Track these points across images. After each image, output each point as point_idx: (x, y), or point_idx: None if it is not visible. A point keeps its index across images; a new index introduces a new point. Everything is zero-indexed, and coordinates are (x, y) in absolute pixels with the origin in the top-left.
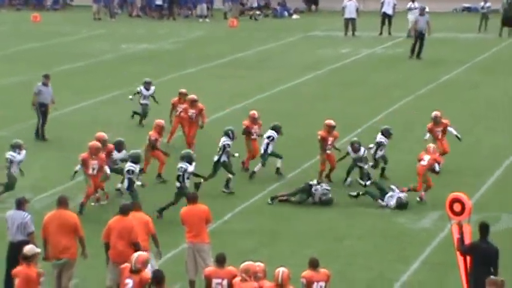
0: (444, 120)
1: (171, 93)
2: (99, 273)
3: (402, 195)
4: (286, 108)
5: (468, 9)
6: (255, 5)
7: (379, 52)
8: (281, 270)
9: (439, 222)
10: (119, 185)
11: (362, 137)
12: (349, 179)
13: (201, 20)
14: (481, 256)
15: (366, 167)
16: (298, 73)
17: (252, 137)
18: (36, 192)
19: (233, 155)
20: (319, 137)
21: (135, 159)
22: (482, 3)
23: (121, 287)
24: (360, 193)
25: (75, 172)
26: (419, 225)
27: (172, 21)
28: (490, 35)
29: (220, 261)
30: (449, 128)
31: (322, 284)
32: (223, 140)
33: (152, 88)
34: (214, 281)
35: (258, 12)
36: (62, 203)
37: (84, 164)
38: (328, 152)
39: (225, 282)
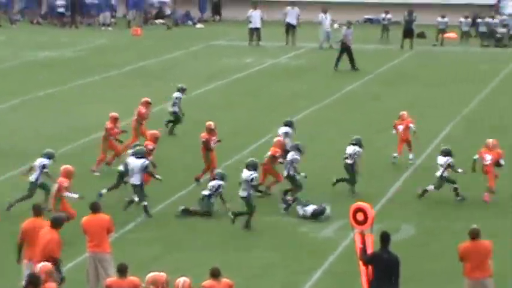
0: (408, 119)
1: (75, 100)
2: None
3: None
4: (191, 117)
5: (370, 20)
6: (168, 13)
7: (284, 62)
8: (182, 280)
9: (342, 232)
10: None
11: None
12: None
13: (103, 28)
14: (382, 266)
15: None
16: (203, 82)
17: (211, 147)
18: None
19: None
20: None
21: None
22: (383, 15)
23: None
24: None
25: None
26: (322, 235)
27: (74, 29)
28: (392, 46)
29: (122, 271)
30: (410, 125)
31: None
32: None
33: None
34: None
35: (161, 21)
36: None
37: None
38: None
39: None
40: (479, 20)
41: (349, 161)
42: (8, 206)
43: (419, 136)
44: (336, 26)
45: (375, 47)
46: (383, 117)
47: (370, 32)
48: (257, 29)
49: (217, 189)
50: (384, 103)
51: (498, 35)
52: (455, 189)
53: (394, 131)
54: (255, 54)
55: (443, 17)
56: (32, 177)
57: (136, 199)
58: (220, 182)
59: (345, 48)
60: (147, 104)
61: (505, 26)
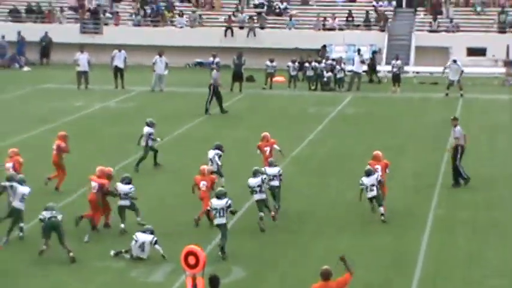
0: (271, 140)
1: None
2: None
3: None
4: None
5: (200, 64)
6: None
7: (113, 105)
8: None
9: (172, 276)
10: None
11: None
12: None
13: None
14: None
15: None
16: (29, 126)
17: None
18: None
19: None
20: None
21: None
22: (211, 59)
23: None
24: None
25: None
26: (152, 279)
27: None
28: (223, 90)
29: None
30: (275, 146)
31: None
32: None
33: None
34: None
35: None
36: None
37: None
38: None
39: None
40: (306, 65)
41: None
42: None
43: None
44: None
45: (204, 90)
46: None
47: (201, 75)
48: (85, 72)
49: None
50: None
51: (325, 79)
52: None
53: (258, 151)
54: (84, 97)
55: (271, 61)
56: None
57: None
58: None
59: (215, 91)
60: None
61: (331, 70)
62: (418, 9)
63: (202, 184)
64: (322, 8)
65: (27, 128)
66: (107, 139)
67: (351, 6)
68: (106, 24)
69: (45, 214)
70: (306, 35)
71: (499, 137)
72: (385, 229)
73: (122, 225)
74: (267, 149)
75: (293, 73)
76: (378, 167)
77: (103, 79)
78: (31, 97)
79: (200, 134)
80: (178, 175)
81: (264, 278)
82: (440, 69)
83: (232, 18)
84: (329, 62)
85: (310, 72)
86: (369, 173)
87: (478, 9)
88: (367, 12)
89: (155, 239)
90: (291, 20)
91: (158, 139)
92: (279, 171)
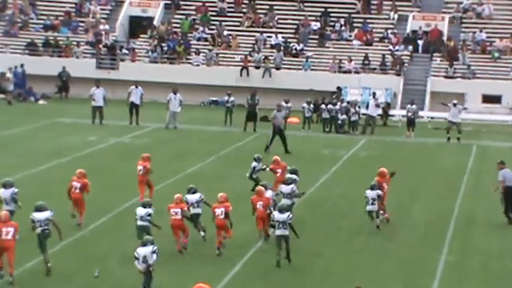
0: (282, 163)
1: None
2: None
3: None
4: (27, 194)
5: (215, 102)
6: (11, 88)
7: (127, 141)
8: None
9: None
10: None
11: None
12: None
13: None
14: None
15: None
16: (42, 160)
17: None
18: None
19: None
20: None
21: None
22: (226, 98)
23: None
24: None
25: None
26: None
27: None
28: (236, 128)
29: None
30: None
31: None
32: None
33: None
34: None
35: (2, 96)
36: None
37: None
38: None
39: None
40: (322, 106)
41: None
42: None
43: None
44: None
45: (219, 129)
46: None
47: (216, 114)
48: (100, 107)
49: None
50: (227, 184)
51: (339, 122)
52: None
53: (268, 169)
54: (98, 132)
55: (286, 101)
56: None
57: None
58: None
59: (277, 130)
60: None
61: (346, 113)
62: (435, 54)
63: (259, 204)
64: (338, 51)
65: (39, 162)
66: (119, 174)
67: (367, 49)
68: (122, 60)
69: (38, 217)
70: (322, 76)
71: None
72: (395, 274)
73: (202, 233)
74: (279, 171)
75: (308, 114)
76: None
77: (118, 114)
78: (45, 131)
79: (213, 172)
80: None
81: None
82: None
83: (249, 57)
84: (344, 104)
85: (325, 114)
86: (373, 187)
87: (496, 55)
88: (384, 56)
89: (155, 248)
90: (307, 61)
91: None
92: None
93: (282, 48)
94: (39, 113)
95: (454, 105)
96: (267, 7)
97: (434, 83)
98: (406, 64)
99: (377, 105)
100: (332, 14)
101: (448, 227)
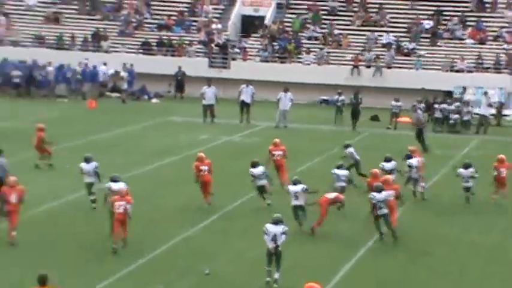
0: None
1: (23, 172)
2: None
3: None
4: (140, 192)
5: (326, 101)
6: (125, 87)
7: (237, 140)
8: None
9: None
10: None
11: (220, 222)
12: None
13: (59, 100)
14: None
15: None
16: (154, 158)
17: None
18: None
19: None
20: None
21: None
22: (336, 97)
23: None
24: None
25: None
26: None
27: (29, 100)
28: (346, 127)
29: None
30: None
31: None
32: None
33: None
34: None
35: (117, 94)
36: None
37: None
38: None
39: None
40: (435, 106)
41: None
42: None
43: None
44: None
45: (329, 127)
46: None
47: (325, 113)
48: (211, 106)
49: None
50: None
51: (451, 121)
52: None
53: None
54: (209, 131)
55: (397, 100)
56: None
57: None
58: None
59: (419, 130)
60: None
61: (458, 112)
62: None
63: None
64: (450, 50)
65: (151, 160)
66: (229, 173)
67: (481, 48)
68: (234, 59)
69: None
70: (434, 76)
71: None
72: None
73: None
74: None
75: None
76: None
77: (229, 113)
78: (157, 129)
79: (321, 171)
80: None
81: None
82: None
83: (359, 56)
84: (456, 104)
85: (438, 114)
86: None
87: None
88: (497, 54)
89: (285, 229)
90: (418, 60)
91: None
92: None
93: (393, 47)
94: (152, 111)
95: None
96: (378, 6)
97: None
98: None
99: (489, 105)
100: (445, 13)
101: None
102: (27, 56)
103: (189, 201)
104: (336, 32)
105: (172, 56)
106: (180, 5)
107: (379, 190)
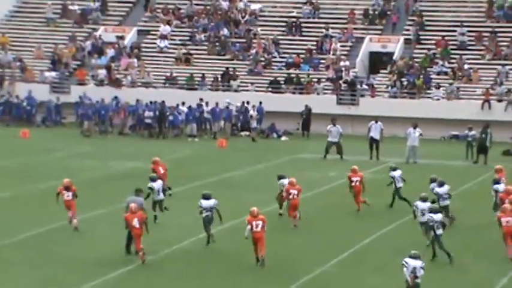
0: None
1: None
2: None
3: None
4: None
5: (456, 137)
6: (254, 125)
7: (368, 176)
8: None
9: None
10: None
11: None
12: None
13: (190, 139)
14: None
15: None
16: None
17: None
18: None
19: None
20: None
21: None
22: (467, 131)
23: None
24: None
25: None
26: None
27: (161, 140)
28: (480, 162)
29: None
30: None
31: None
32: None
33: None
34: None
35: (246, 133)
36: None
37: None
38: None
39: None
40: None
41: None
42: None
43: None
44: None
45: (460, 163)
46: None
47: (456, 149)
48: (336, 143)
49: None
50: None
51: None
52: None
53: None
54: (338, 168)
55: None
56: None
57: None
58: None
59: None
60: None
61: None
62: None
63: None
64: None
65: None
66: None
67: None
68: (362, 95)
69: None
70: None
71: None
72: None
73: None
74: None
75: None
76: None
77: (358, 150)
78: (287, 166)
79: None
80: None
81: None
82: None
83: (490, 91)
84: None
85: None
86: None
87: None
88: None
89: (423, 264)
90: None
91: None
92: None
93: None
94: (281, 149)
95: None
96: (509, 39)
97: None
98: None
99: None
100: None
101: None
102: (158, 97)
103: (323, 239)
104: (466, 66)
105: (301, 93)
106: (308, 43)
107: (436, 211)
